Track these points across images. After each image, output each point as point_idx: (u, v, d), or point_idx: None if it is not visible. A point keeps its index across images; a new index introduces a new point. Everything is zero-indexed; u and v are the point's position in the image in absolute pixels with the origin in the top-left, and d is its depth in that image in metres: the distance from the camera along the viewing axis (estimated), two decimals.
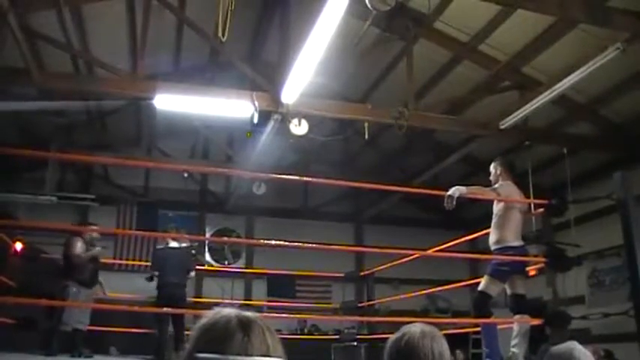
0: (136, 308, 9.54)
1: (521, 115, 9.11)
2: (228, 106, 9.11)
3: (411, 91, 9.47)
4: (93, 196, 13.54)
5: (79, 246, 8.19)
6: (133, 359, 9.24)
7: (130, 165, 13.76)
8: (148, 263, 13.08)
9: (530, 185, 9.50)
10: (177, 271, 8.76)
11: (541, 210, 6.99)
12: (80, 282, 8.04)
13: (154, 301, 8.72)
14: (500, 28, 8.97)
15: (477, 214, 11.39)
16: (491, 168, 6.81)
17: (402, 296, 11.10)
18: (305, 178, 8.00)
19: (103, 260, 13.04)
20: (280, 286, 14.29)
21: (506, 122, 9.39)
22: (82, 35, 9.49)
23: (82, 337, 8.27)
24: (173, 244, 9.04)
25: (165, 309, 8.25)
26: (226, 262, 14.49)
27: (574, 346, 2.51)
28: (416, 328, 2.13)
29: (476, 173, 11.05)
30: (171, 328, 8.43)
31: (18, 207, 12.44)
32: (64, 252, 8.25)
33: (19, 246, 10.26)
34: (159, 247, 9.45)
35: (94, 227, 8.93)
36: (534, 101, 8.71)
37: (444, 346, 2.09)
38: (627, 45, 7.12)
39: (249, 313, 1.25)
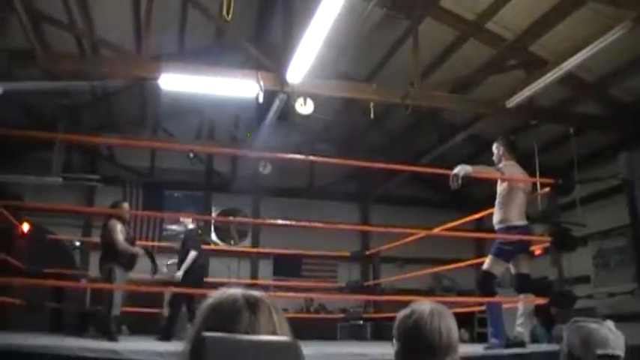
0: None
1: (527, 94, 9.06)
2: (233, 86, 9.09)
3: (417, 70, 9.42)
4: (99, 177, 13.59)
5: (119, 230, 7.88)
6: (143, 338, 9.29)
7: (135, 146, 13.78)
8: (156, 244, 13.19)
9: (537, 165, 9.49)
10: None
11: (547, 190, 6.99)
12: (123, 264, 7.82)
13: (177, 282, 8.73)
14: (506, 6, 8.91)
15: (482, 194, 11.37)
16: (494, 148, 6.78)
17: (408, 275, 11.13)
18: (311, 158, 8.00)
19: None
20: (286, 266, 14.32)
21: (513, 101, 9.35)
22: (86, 16, 9.45)
23: (118, 320, 8.16)
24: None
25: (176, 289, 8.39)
26: (232, 242, 14.54)
27: (608, 325, 2.47)
28: (425, 306, 2.13)
29: (482, 152, 11.01)
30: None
31: (24, 188, 12.48)
32: (105, 238, 7.96)
33: (25, 227, 10.30)
34: (190, 227, 9.38)
35: (125, 205, 8.59)
36: (541, 80, 8.66)
37: (452, 325, 2.09)
38: (634, 24, 7.07)
39: (255, 293, 1.26)
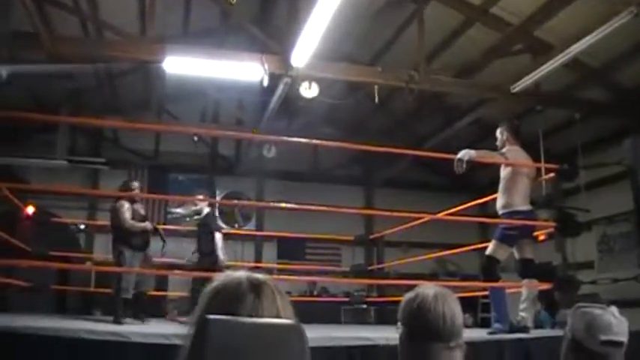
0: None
1: (532, 79, 9.03)
2: (238, 69, 9.07)
3: (422, 54, 9.39)
4: (103, 160, 13.60)
5: (126, 208, 7.78)
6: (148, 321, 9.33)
7: (140, 128, 13.78)
8: (160, 227, 13.21)
9: (542, 150, 9.47)
10: None
11: (551, 175, 6.98)
12: (133, 246, 7.69)
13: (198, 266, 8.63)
14: None
15: (487, 179, 11.36)
16: (498, 133, 6.77)
17: (412, 259, 11.15)
18: (315, 141, 7.98)
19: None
20: (290, 249, 14.35)
21: (518, 86, 9.32)
22: None
23: (144, 301, 8.00)
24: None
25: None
26: (236, 225, 14.56)
27: (612, 311, 2.46)
28: (429, 290, 2.13)
29: (487, 137, 10.98)
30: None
31: (29, 171, 12.52)
32: (113, 219, 7.88)
33: (30, 210, 10.34)
34: (206, 210, 9.26)
35: (135, 184, 8.40)
36: (546, 65, 8.62)
37: (456, 310, 2.09)
38: None
39: (259, 275, 1.26)
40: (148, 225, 7.95)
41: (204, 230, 8.85)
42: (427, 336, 2.04)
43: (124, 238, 7.69)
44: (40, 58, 9.32)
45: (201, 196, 9.66)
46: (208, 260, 8.48)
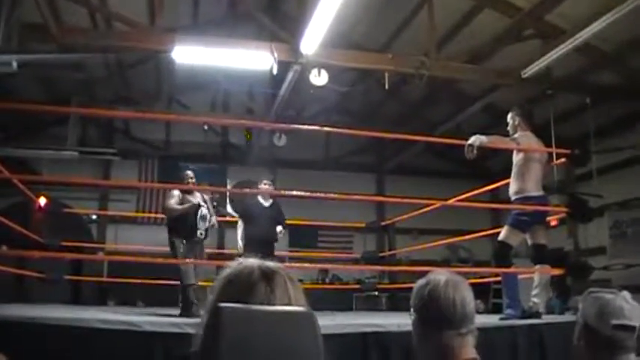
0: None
1: (543, 63, 8.98)
2: (247, 58, 9.06)
3: (432, 40, 9.35)
4: (115, 150, 13.64)
5: (173, 196, 7.48)
6: (160, 310, 9.38)
7: (150, 118, 13.83)
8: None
9: (552, 135, 9.43)
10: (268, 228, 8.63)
11: (563, 160, 6.95)
12: (183, 236, 7.34)
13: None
14: None
15: (499, 164, 11.34)
16: (509, 118, 6.74)
17: (423, 246, 11.16)
18: (326, 129, 7.98)
19: (125, 214, 13.27)
20: (302, 237, 14.35)
21: (529, 71, 9.27)
22: None
23: (192, 293, 7.12)
24: (263, 201, 8.82)
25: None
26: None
27: (624, 296, 2.46)
28: (441, 276, 2.13)
29: (498, 123, 10.95)
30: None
31: (41, 162, 12.58)
32: (163, 210, 7.81)
33: (42, 201, 10.40)
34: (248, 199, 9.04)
35: (189, 173, 7.79)
36: (557, 49, 8.57)
37: (467, 296, 2.09)
38: None
39: (271, 264, 1.26)
40: (186, 208, 7.42)
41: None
42: (439, 322, 2.06)
43: (172, 226, 7.49)
44: (49, 49, 9.35)
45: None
46: None
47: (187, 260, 7.13)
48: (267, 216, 8.66)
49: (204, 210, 7.59)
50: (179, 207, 7.43)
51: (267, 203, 8.78)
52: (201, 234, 7.53)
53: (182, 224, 7.39)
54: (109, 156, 13.59)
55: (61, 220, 11.09)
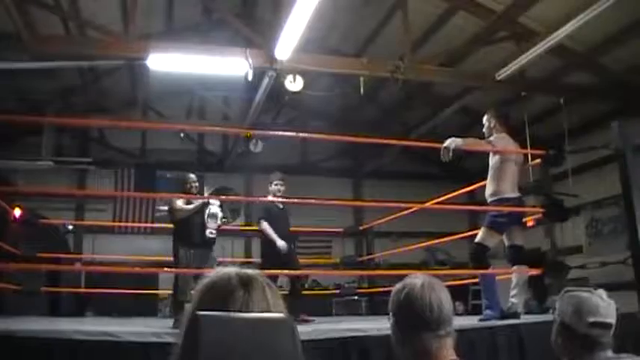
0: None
1: (517, 65, 9.04)
2: (222, 65, 9.03)
3: (407, 44, 9.39)
4: (90, 160, 13.54)
5: (179, 200, 7.03)
6: (139, 319, 9.32)
7: (125, 127, 13.74)
8: (149, 225, 13.17)
9: (527, 136, 9.51)
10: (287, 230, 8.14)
11: (538, 161, 7.01)
12: (190, 244, 6.84)
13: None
14: None
15: (475, 166, 11.40)
16: (485, 120, 6.79)
17: (402, 249, 11.18)
18: (301, 135, 7.98)
19: (102, 224, 13.15)
20: None
21: (503, 73, 9.33)
22: None
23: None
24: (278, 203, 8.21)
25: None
26: (225, 221, 14.53)
27: (600, 294, 2.49)
28: (417, 279, 2.15)
29: (474, 125, 11.03)
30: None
31: (16, 173, 12.45)
32: (169, 215, 7.24)
33: (18, 212, 10.28)
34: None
35: (191, 177, 7.36)
36: (531, 51, 8.64)
37: (443, 298, 2.11)
38: None
39: (249, 271, 1.27)
40: (199, 204, 7.01)
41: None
42: (416, 325, 2.07)
43: (177, 234, 6.99)
44: (22, 58, 9.27)
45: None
46: None
47: (166, 269, 6.95)
48: (284, 218, 8.27)
49: (213, 208, 7.15)
50: (189, 206, 6.98)
51: (281, 205, 8.35)
52: (211, 233, 7.08)
53: (189, 228, 6.94)
54: (84, 165, 13.50)
55: (37, 230, 10.96)
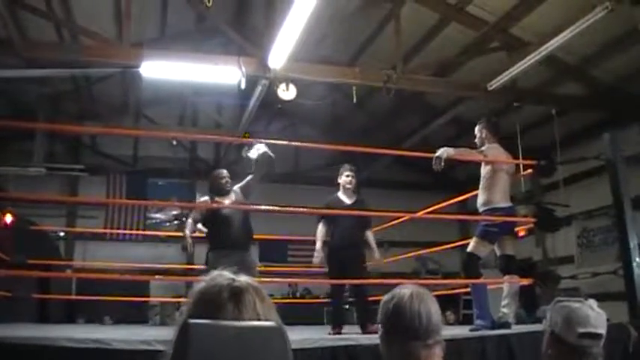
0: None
1: (509, 76, 9.08)
2: (215, 73, 9.03)
3: (399, 53, 9.42)
4: (82, 167, 13.50)
5: (203, 199, 6.98)
6: (129, 327, 9.28)
7: (118, 134, 13.71)
8: (140, 232, 13.13)
9: (519, 146, 9.55)
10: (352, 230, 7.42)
11: (530, 171, 7.03)
12: (222, 245, 6.64)
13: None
14: None
15: (467, 176, 11.42)
16: (476, 130, 6.81)
17: (393, 259, 11.17)
18: (294, 143, 7.98)
19: (93, 230, 13.10)
20: (272, 251, 14.27)
21: (495, 83, 9.37)
22: (65, 3, 9.38)
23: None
24: (345, 198, 7.62)
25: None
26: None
27: (590, 304, 2.49)
28: (406, 290, 2.16)
29: (465, 135, 11.07)
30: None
31: (7, 178, 12.40)
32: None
33: (9, 218, 10.25)
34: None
35: (215, 173, 7.24)
36: (522, 62, 8.68)
37: (432, 308, 2.12)
38: (615, 4, 7.08)
39: (242, 280, 1.26)
40: (187, 241, 6.73)
41: None
42: (404, 335, 2.08)
43: (208, 236, 6.93)
44: (14, 64, 9.24)
45: None
46: None
47: (157, 277, 6.99)
48: (350, 215, 7.39)
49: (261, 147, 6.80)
50: (187, 232, 6.82)
51: (349, 200, 7.61)
52: (252, 162, 6.82)
53: (217, 230, 6.80)
54: (76, 172, 13.45)
55: (27, 237, 10.92)
